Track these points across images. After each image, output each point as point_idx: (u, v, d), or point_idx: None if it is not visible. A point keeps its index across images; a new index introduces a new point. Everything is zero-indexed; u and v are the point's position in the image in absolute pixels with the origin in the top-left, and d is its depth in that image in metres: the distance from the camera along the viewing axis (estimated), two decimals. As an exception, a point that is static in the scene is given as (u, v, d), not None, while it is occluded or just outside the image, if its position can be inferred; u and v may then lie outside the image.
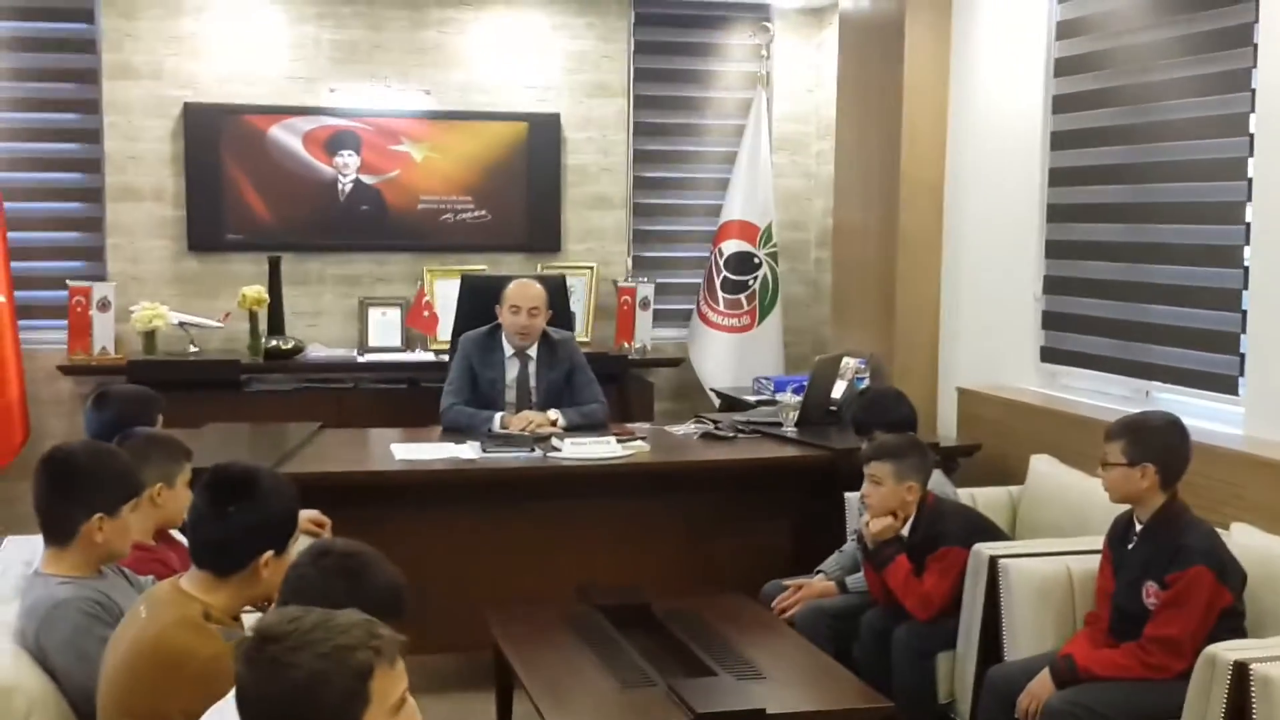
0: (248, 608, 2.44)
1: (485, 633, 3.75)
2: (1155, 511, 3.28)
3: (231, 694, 1.72)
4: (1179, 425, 3.34)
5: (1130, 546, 3.33)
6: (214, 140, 6.23)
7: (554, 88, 6.61)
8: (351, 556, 2.12)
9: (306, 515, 3.15)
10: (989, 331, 5.23)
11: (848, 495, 4.34)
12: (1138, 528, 3.33)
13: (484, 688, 3.95)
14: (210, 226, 6.27)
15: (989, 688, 3.41)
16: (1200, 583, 3.12)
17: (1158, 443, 3.27)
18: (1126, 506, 3.39)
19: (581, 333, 6.24)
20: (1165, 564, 3.18)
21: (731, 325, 6.53)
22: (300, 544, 2.41)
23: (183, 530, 3.17)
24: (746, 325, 6.53)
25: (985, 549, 3.62)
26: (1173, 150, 4.31)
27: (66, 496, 2.60)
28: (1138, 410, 3.72)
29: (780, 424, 4.93)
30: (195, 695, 2.03)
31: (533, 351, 4.97)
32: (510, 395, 4.96)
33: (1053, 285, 4.94)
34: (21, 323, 5.92)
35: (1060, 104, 4.88)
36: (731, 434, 4.84)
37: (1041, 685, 3.21)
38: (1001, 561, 3.55)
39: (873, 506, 3.86)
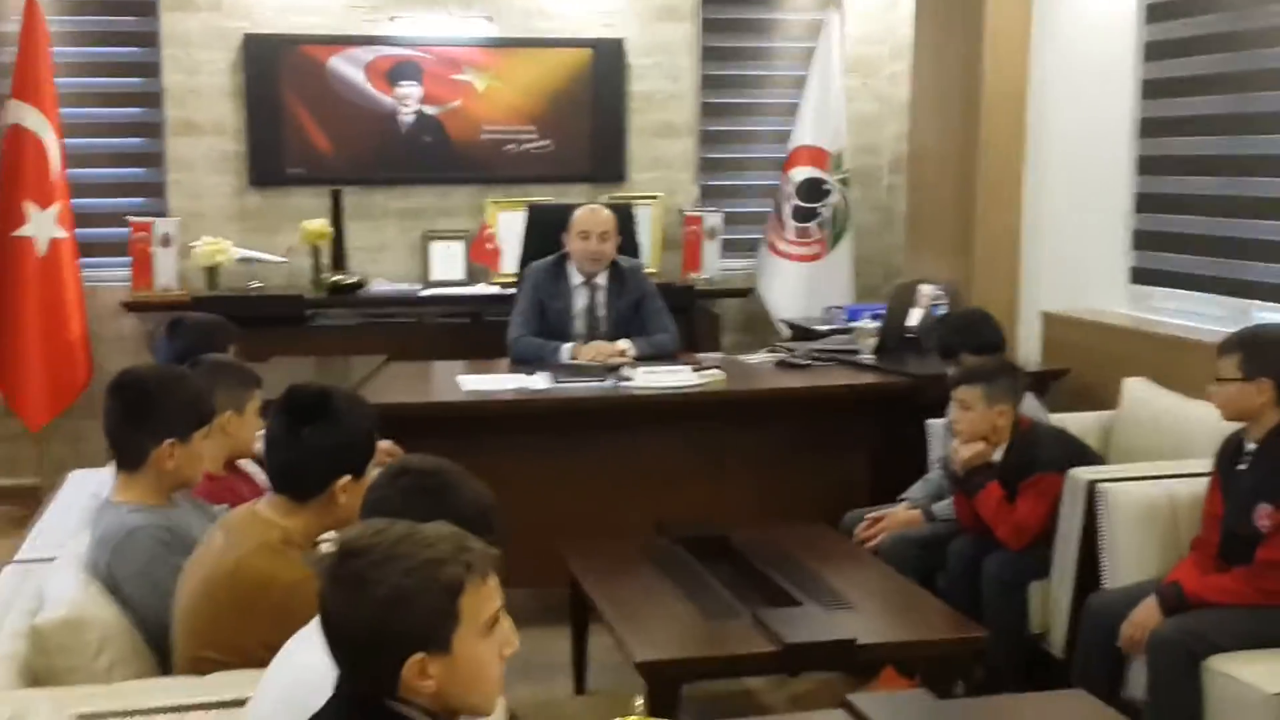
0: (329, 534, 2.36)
1: (560, 568, 3.70)
2: (1269, 430, 3.13)
3: (315, 621, 1.64)
4: (1296, 339, 3.18)
5: (1242, 467, 3.18)
6: (274, 72, 6.14)
7: (619, 12, 6.45)
8: (432, 474, 2.03)
9: (381, 446, 3.10)
10: (1075, 254, 5.06)
11: (930, 422, 4.23)
12: (1250, 447, 3.18)
13: (558, 623, 3.89)
14: (271, 160, 6.20)
15: (1088, 617, 3.29)
16: (1318, 504, 2.97)
17: (1276, 356, 3.11)
18: (1236, 426, 3.24)
19: (648, 263, 6.11)
20: (1280, 484, 3.03)
21: (801, 254, 6.38)
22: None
23: (256, 461, 3.13)
24: (816, 254, 6.39)
25: (1083, 473, 3.49)
26: (1274, 57, 4.09)
27: (137, 421, 2.53)
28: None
29: (858, 351, 4.82)
30: (277, 623, 1.97)
31: (601, 280, 4.88)
32: (579, 326, 4.88)
33: (1144, 203, 4.75)
34: (83, 260, 5.90)
35: (1155, 12, 4.66)
36: (807, 362, 4.74)
37: (1148, 613, 3.09)
38: (1100, 486, 3.41)
39: (963, 432, 3.73)
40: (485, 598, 1.58)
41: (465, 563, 1.56)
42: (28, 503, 5.30)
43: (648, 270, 5.31)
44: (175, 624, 2.28)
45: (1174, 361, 4.19)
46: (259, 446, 2.94)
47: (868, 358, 4.76)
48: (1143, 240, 4.76)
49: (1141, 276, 4.78)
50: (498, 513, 2.03)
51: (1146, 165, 4.73)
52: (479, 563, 1.58)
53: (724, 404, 4.41)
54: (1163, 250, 4.65)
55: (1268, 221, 4.16)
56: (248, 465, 3.13)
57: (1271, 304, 4.14)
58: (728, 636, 3.03)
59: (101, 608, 2.37)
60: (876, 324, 4.95)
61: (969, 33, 5.28)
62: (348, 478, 2.28)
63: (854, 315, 5.53)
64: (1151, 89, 4.68)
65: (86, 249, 5.96)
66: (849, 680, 3.42)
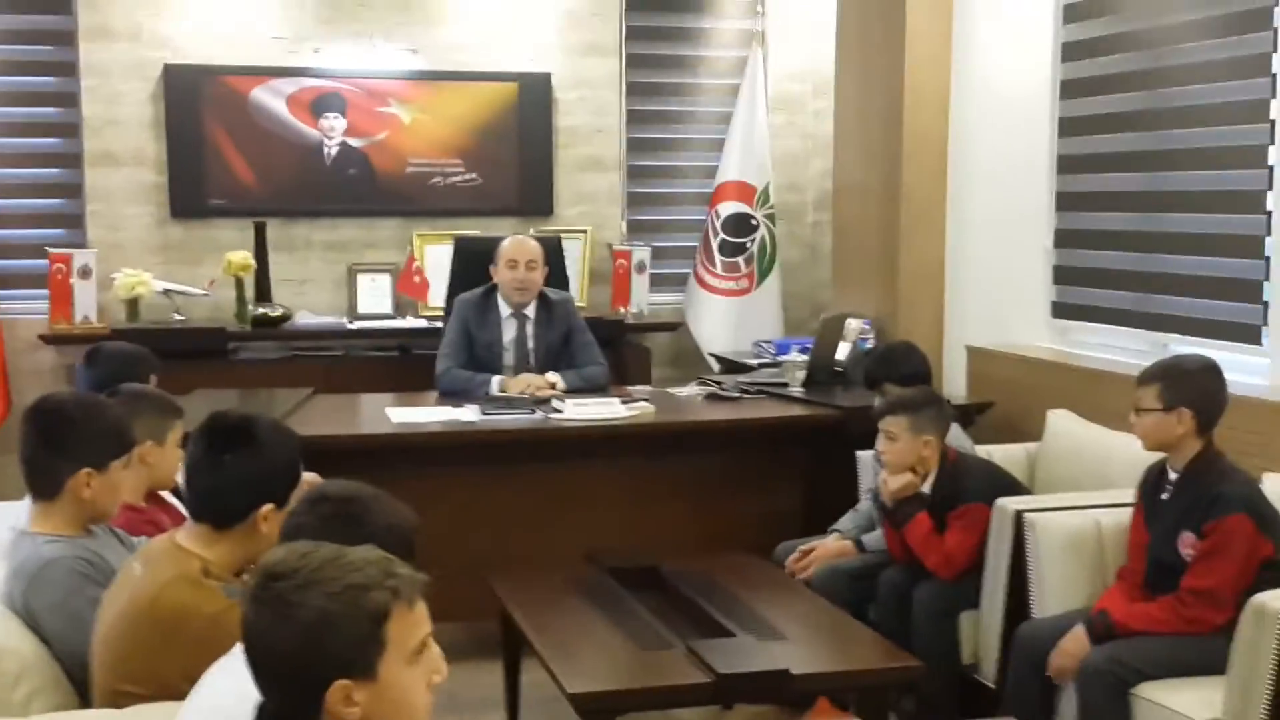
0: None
1: (490, 601, 3.66)
2: (1191, 459, 3.16)
3: (238, 648, 1.59)
4: (1215, 368, 3.23)
5: (1165, 496, 3.21)
6: (195, 103, 6.06)
7: (544, 46, 6.46)
8: (350, 500, 2.00)
9: (305, 479, 3.05)
10: (997, 288, 5.12)
11: (859, 454, 4.24)
12: (1172, 476, 3.21)
13: (489, 657, 3.84)
14: (193, 191, 6.11)
15: (1018, 646, 3.30)
16: (1240, 532, 3.01)
17: (1194, 386, 3.15)
18: (1158, 456, 3.27)
19: (577, 297, 6.08)
20: (1202, 513, 3.07)
21: (729, 289, 6.41)
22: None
23: (174, 493, 3.05)
24: (745, 288, 6.41)
25: (1010, 504, 3.50)
26: (1189, 95, 4.19)
27: (54, 449, 2.45)
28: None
29: (786, 384, 4.83)
30: (196, 655, 1.90)
31: (530, 311, 4.85)
32: (508, 358, 4.85)
33: (1064, 238, 4.81)
34: (0, 292, 5.75)
35: (1070, 51, 4.74)
36: (736, 395, 4.74)
37: (1076, 642, 3.10)
38: (1028, 516, 3.43)
39: (890, 463, 3.74)
40: (412, 624, 1.55)
41: (391, 588, 1.53)
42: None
43: (577, 304, 5.29)
44: (94, 656, 2.20)
45: (1095, 393, 4.23)
46: (180, 478, 2.87)
47: (797, 390, 4.77)
48: (1063, 275, 4.83)
49: (1062, 311, 4.84)
50: (418, 536, 2.00)
51: (1065, 201, 4.80)
52: (406, 588, 1.55)
53: (654, 436, 4.40)
54: (1082, 285, 4.72)
55: (1183, 256, 4.23)
56: (169, 497, 3.04)
57: (1189, 336, 4.20)
58: (661, 668, 2.99)
59: (18, 639, 2.29)
60: (805, 357, 4.96)
61: (889, 70, 5.35)
62: (269, 506, 2.23)
63: (782, 349, 5.55)
64: (1068, 126, 4.76)
65: (3, 280, 5.84)
66: (783, 712, 3.40)
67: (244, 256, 5.91)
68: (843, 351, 5.08)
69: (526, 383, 4.67)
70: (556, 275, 5.19)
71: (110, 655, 2.14)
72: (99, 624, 2.21)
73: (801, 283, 6.81)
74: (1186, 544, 3.10)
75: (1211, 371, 3.21)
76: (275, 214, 6.15)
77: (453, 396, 4.65)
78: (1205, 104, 4.12)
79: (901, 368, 4.11)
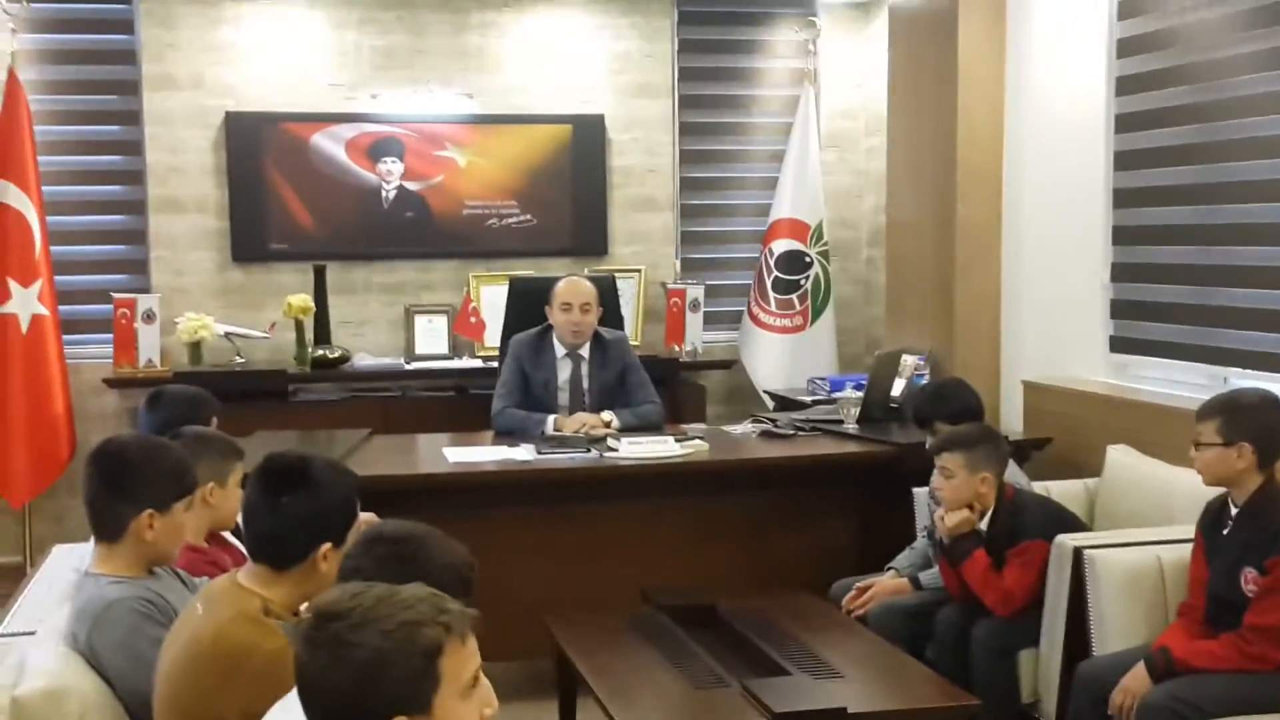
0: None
1: (545, 639, 3.67)
2: (1252, 493, 3.12)
3: (294, 691, 1.61)
4: (1275, 402, 3.19)
5: (1226, 531, 3.17)
6: (256, 149, 6.17)
7: (597, 89, 6.53)
8: (405, 541, 2.03)
9: (362, 518, 3.09)
10: (1053, 323, 5.09)
11: (916, 491, 4.22)
12: (1233, 511, 3.17)
13: (544, 696, 3.85)
14: (254, 236, 6.22)
15: (1078, 684, 3.26)
16: (1304, 568, 2.95)
17: (1254, 420, 3.11)
18: (1220, 490, 3.23)
19: (631, 336, 6.12)
20: (1265, 548, 3.02)
21: (784, 326, 6.42)
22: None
23: (235, 533, 3.09)
24: (799, 325, 6.43)
25: (1069, 540, 3.47)
26: (1244, 128, 4.15)
27: (117, 491, 2.50)
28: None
29: (841, 421, 4.82)
30: (256, 694, 1.92)
31: (585, 352, 4.89)
32: (563, 397, 4.89)
33: (1121, 272, 4.78)
34: (66, 337, 5.87)
35: (1124, 85, 4.72)
36: (791, 432, 4.74)
37: (1137, 680, 3.05)
38: (1087, 553, 3.40)
39: (946, 500, 3.71)
40: (464, 659, 1.57)
41: (444, 624, 1.55)
42: (11, 580, 5.21)
43: (631, 342, 5.32)
44: (156, 696, 2.23)
45: (1153, 429, 4.19)
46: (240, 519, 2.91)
47: (852, 427, 4.76)
48: (1120, 309, 4.79)
49: (1120, 345, 4.80)
50: (473, 571, 2.02)
51: (1121, 235, 4.77)
52: (457, 623, 1.56)
53: (709, 474, 4.40)
54: (1140, 319, 4.67)
55: (1242, 290, 4.19)
56: (230, 537, 3.08)
57: (1248, 370, 4.15)
58: (717, 707, 2.99)
59: (82, 679, 2.32)
60: (859, 394, 4.95)
61: (942, 105, 5.35)
62: (328, 546, 2.25)
63: (837, 386, 5.55)
64: (1123, 160, 4.74)
65: (70, 325, 5.95)
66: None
67: (304, 299, 5.99)
68: (898, 388, 5.07)
69: (581, 422, 4.69)
70: (611, 314, 5.22)
71: (171, 694, 2.17)
72: (161, 663, 2.24)
73: (856, 319, 6.80)
74: (1248, 580, 3.06)
75: (1272, 405, 3.17)
76: (334, 257, 6.24)
77: (508, 436, 4.68)
78: (1261, 136, 4.08)
79: (951, 404, 4.09)
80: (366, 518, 3.20)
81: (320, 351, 6.02)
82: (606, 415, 4.77)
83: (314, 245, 6.25)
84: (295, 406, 5.86)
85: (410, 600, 1.56)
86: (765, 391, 6.22)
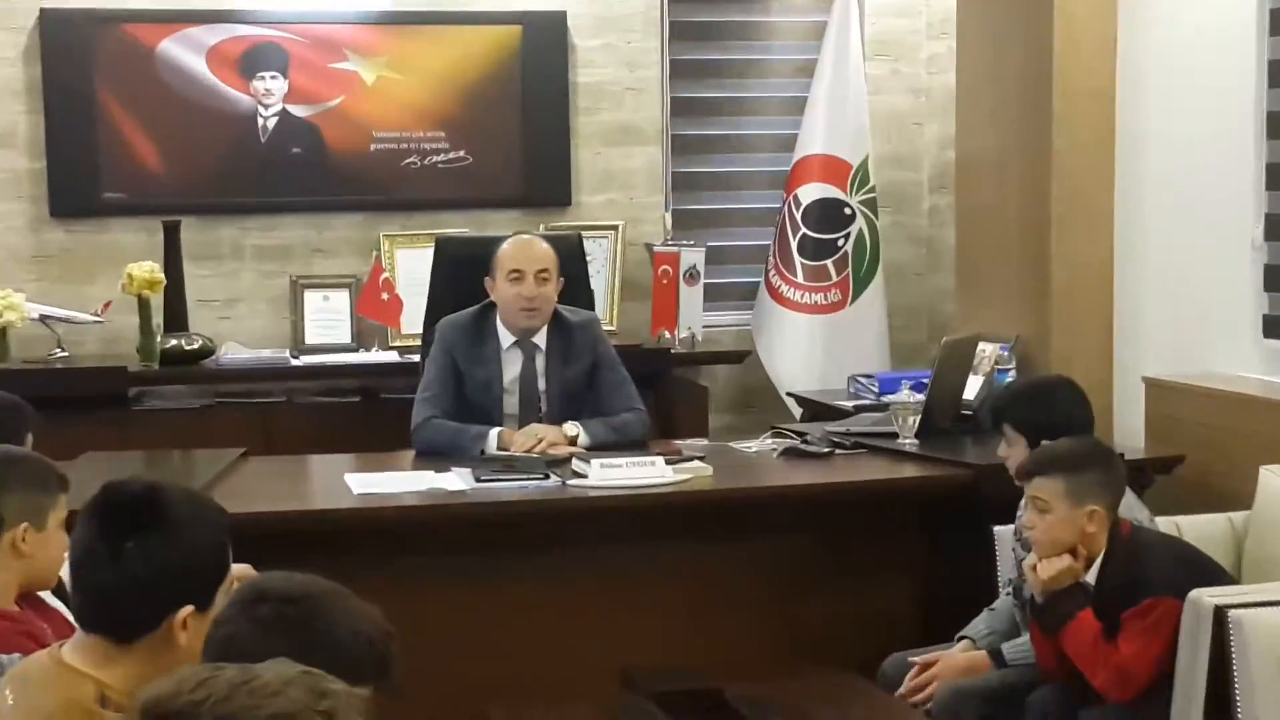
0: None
1: (486, 736, 3.67)
2: None
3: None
4: None
5: None
6: (83, 62, 6.16)
7: (557, -24, 6.54)
8: (297, 602, 2.03)
9: (235, 572, 3.08)
10: (1186, 299, 5.12)
11: (998, 531, 4.24)
12: None
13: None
14: (79, 182, 6.21)
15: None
16: None
17: None
18: None
19: (604, 318, 6.13)
20: None
21: (815, 304, 6.44)
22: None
23: (59, 593, 3.08)
24: (836, 303, 6.45)
25: (1208, 596, 3.49)
26: None
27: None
28: None
29: (895, 435, 4.84)
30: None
31: (541, 339, 4.90)
32: (510, 403, 4.90)
33: (1278, 228, 4.80)
34: None
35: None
36: (826, 450, 4.75)
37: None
38: (1233, 613, 3.42)
39: (1040, 542, 3.73)
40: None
41: (326, 711, 1.55)
42: None
43: (604, 327, 5.32)
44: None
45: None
46: (65, 573, 2.90)
47: (909, 443, 4.78)
48: (1278, 279, 4.81)
49: (1277, 328, 4.82)
50: (391, 644, 2.03)
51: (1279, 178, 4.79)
52: (344, 709, 1.56)
53: (712, 509, 4.42)
54: (1306, 292, 4.71)
55: None
56: (50, 598, 3.08)
57: None
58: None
59: None
60: (920, 397, 4.95)
61: (1033, 11, 5.37)
62: (189, 610, 2.25)
63: (889, 386, 5.54)
64: (1283, 73, 4.76)
65: None
66: None
67: (150, 270, 5.96)
68: (972, 388, 5.08)
69: (536, 437, 4.70)
70: (576, 288, 5.22)
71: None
72: (-43, 775, 2.24)
73: (914, 294, 6.84)
74: None
75: None
76: (192, 211, 6.23)
77: (436, 457, 4.68)
78: None
79: (1046, 412, 4.09)
80: (241, 571, 3.21)
81: (173, 342, 6.00)
82: (570, 428, 4.77)
83: (164, 194, 6.23)
84: (140, 417, 5.85)
85: (275, 684, 1.55)
86: (790, 395, 6.24)
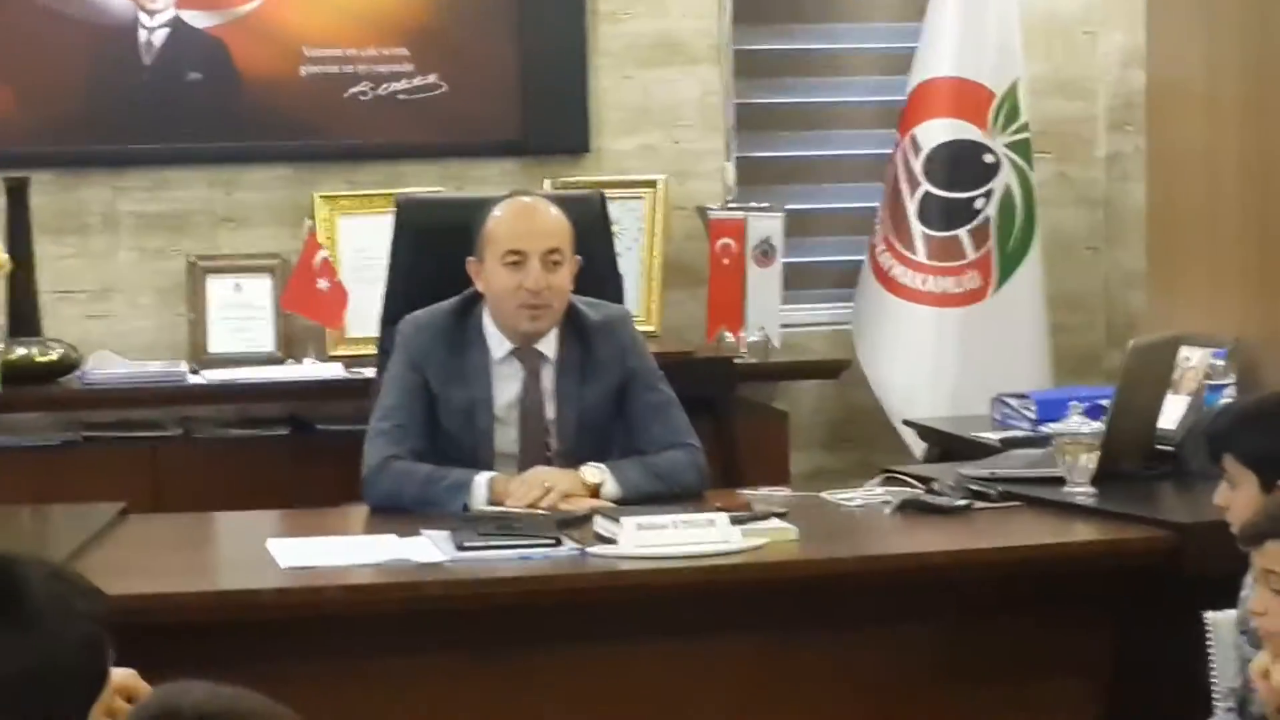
0: None
1: None
2: None
3: None
4: None
5: None
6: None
7: None
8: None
9: (116, 678, 3.09)
10: None
11: (1211, 617, 4.20)
12: None
13: None
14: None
15: None
16: None
17: None
18: None
19: (638, 314, 6.14)
20: None
21: (944, 292, 6.47)
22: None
23: None
24: (974, 291, 6.47)
25: None
26: None
27: None
28: None
29: (1061, 480, 4.81)
30: None
31: (549, 347, 4.92)
32: (506, 438, 4.93)
33: None
34: None
35: None
36: (961, 503, 4.73)
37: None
38: None
39: (1271, 633, 3.71)
40: None
41: None
42: None
43: (639, 327, 5.31)
44: None
45: None
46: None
47: (1082, 492, 4.75)
48: None
49: None
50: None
51: None
52: None
53: (797, 588, 4.41)
54: None
55: None
56: None
57: None
58: None
59: None
60: (1097, 426, 4.94)
61: None
62: (59, 732, 2.25)
63: (1051, 410, 5.51)
64: None
65: None
66: None
67: (-12, 248, 6.00)
68: (1173, 411, 5.07)
69: (543, 486, 4.70)
70: (598, 272, 5.25)
71: None
72: None
73: (1086, 277, 6.87)
74: None
75: None
76: (47, 164, 6.29)
77: (399, 514, 4.69)
78: None
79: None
80: (124, 680, 3.22)
81: (21, 351, 6.02)
82: (592, 473, 4.78)
83: (7, 140, 6.28)
84: (-26, 458, 5.89)
85: None
86: (907, 423, 6.24)
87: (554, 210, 4.95)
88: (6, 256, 6.00)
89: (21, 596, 2.29)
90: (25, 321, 6.10)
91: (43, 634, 2.29)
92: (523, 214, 4.92)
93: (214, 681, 2.14)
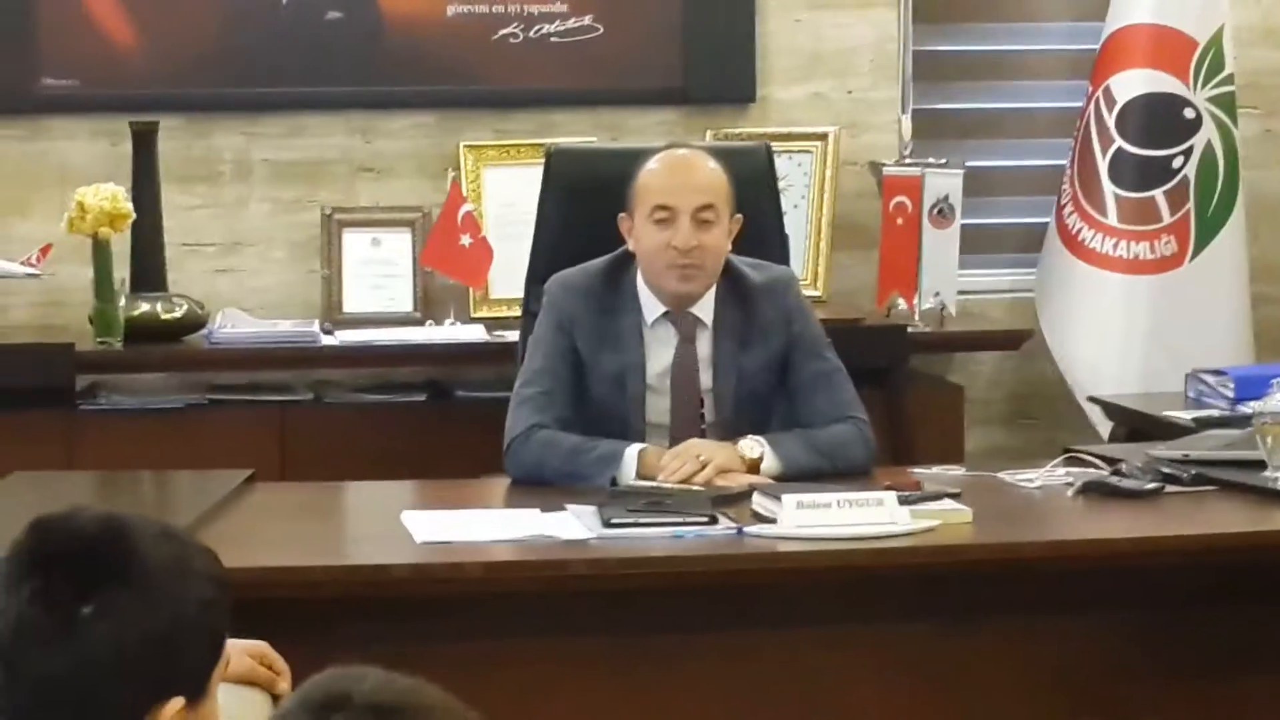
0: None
1: None
2: None
3: None
4: None
5: None
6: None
7: None
8: (394, 714, 2.04)
9: (243, 650, 3.10)
10: None
11: None
12: None
13: None
14: (8, 64, 6.31)
15: None
16: None
17: None
18: None
19: (803, 277, 6.12)
20: None
21: (1137, 258, 6.43)
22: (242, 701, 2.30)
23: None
24: (1170, 258, 6.43)
25: None
26: None
27: None
28: None
29: (1262, 463, 4.77)
30: None
31: (705, 310, 4.92)
32: (658, 408, 4.94)
33: None
34: None
35: None
36: (1152, 485, 4.70)
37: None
38: None
39: None
40: None
41: None
42: None
43: (806, 291, 5.30)
44: None
45: None
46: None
47: (1286, 475, 4.72)
48: None
49: None
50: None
51: None
52: None
53: (972, 575, 4.39)
54: None
55: None
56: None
57: None
58: None
59: None
60: (1305, 406, 4.90)
61: None
62: (177, 704, 2.27)
63: (1252, 388, 5.47)
64: None
65: None
66: None
67: (111, 197, 6.02)
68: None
69: (698, 460, 4.70)
70: (762, 231, 5.24)
71: None
72: None
73: (1293, 245, 6.77)
74: None
75: None
76: (175, 107, 6.33)
77: (543, 487, 4.72)
78: None
79: None
80: (250, 649, 3.26)
81: (145, 307, 6.08)
82: (751, 446, 4.78)
83: (133, 83, 6.37)
84: (93, 420, 5.95)
85: None
86: (1093, 400, 6.20)
87: (710, 164, 4.94)
88: (129, 206, 6.06)
89: (135, 558, 2.30)
90: (150, 276, 6.15)
91: (163, 596, 2.30)
92: (675, 167, 4.92)
93: (367, 668, 2.15)
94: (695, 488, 4.60)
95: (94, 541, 2.32)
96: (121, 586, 2.28)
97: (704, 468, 4.68)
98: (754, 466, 4.74)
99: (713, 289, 4.90)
